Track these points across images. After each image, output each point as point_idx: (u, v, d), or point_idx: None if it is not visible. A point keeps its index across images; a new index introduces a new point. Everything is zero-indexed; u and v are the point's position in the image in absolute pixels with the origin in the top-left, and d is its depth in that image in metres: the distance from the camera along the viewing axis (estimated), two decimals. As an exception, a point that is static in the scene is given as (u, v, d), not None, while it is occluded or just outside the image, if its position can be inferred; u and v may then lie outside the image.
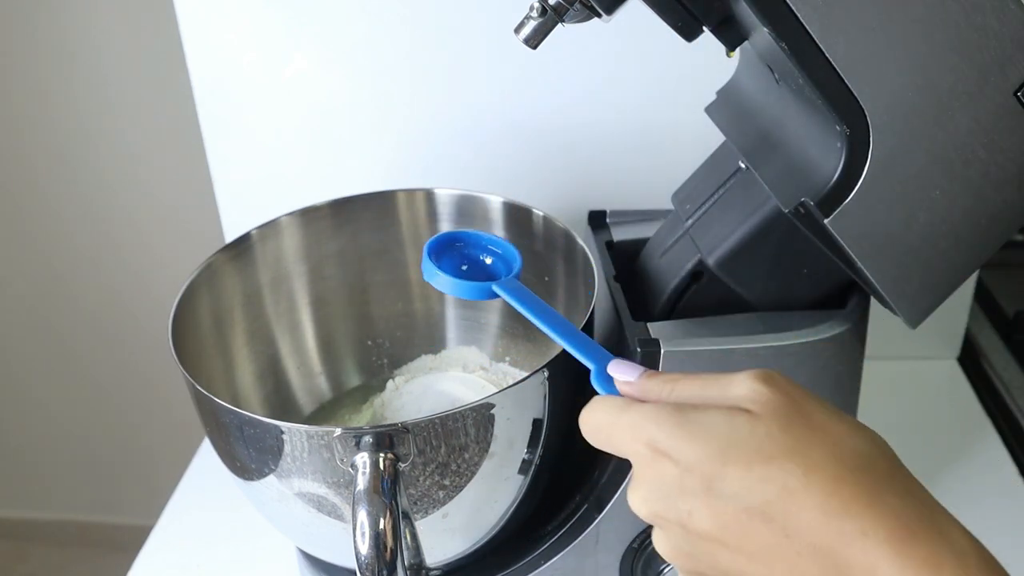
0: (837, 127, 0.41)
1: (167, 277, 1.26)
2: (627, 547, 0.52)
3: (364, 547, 0.41)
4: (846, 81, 0.39)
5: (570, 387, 0.50)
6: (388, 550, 0.41)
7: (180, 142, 1.21)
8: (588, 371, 0.40)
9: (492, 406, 0.45)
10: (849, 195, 0.42)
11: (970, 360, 0.83)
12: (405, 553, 0.46)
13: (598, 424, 0.36)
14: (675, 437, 0.32)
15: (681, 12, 0.43)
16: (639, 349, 0.46)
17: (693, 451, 0.32)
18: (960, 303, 0.79)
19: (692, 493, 0.32)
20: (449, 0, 0.69)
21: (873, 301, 0.50)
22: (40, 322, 1.43)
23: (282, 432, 0.44)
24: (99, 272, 1.36)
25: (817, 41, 0.39)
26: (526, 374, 0.46)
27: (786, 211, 0.44)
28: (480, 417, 0.45)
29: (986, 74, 0.39)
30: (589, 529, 0.51)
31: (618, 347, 0.49)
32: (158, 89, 1.19)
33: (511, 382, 0.46)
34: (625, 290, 0.53)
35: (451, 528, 0.49)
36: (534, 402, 0.47)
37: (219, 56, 0.71)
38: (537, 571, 0.53)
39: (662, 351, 0.46)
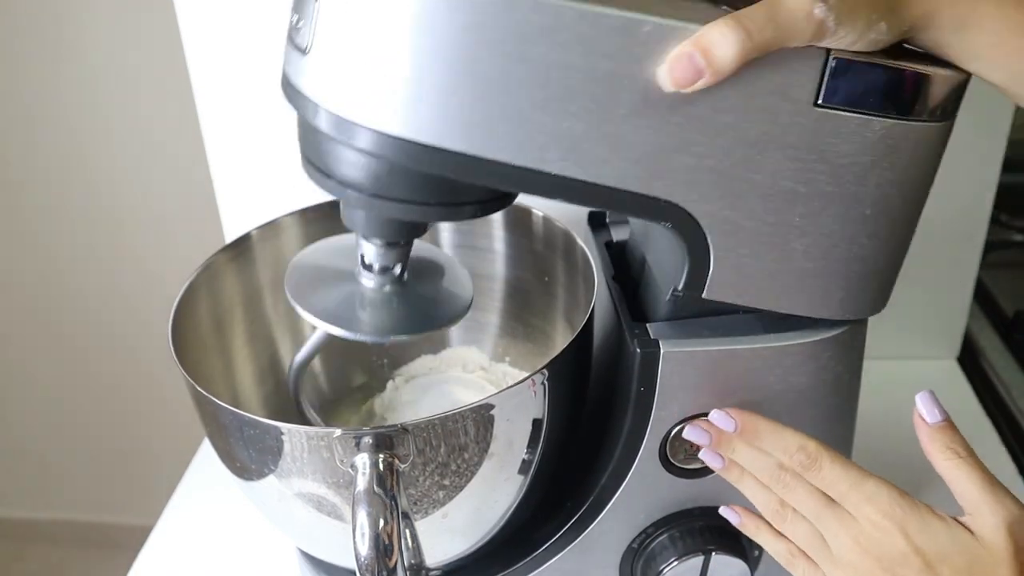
0: (662, 224, 0.41)
1: (167, 277, 1.26)
2: (627, 547, 0.52)
3: (364, 547, 0.41)
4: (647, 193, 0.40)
5: (570, 388, 0.50)
6: (388, 550, 0.41)
7: (180, 142, 1.21)
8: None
9: (492, 407, 0.45)
10: (709, 268, 0.43)
11: (970, 360, 0.83)
12: (405, 553, 0.47)
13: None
14: (911, 517, 0.40)
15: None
16: (639, 349, 0.46)
17: (924, 540, 0.39)
18: (960, 303, 0.79)
19: (911, 568, 0.40)
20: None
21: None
22: (40, 322, 1.43)
23: (282, 432, 0.44)
24: (99, 272, 1.36)
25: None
26: (526, 374, 0.46)
27: (670, 297, 0.45)
28: (480, 417, 0.45)
29: (778, 104, 0.39)
30: (589, 529, 0.51)
31: (618, 347, 0.49)
32: (158, 89, 1.19)
33: (511, 382, 0.46)
34: (625, 290, 0.53)
35: (451, 528, 0.49)
36: (534, 403, 0.47)
37: (219, 56, 0.71)
38: (537, 571, 0.53)
39: (662, 351, 0.46)
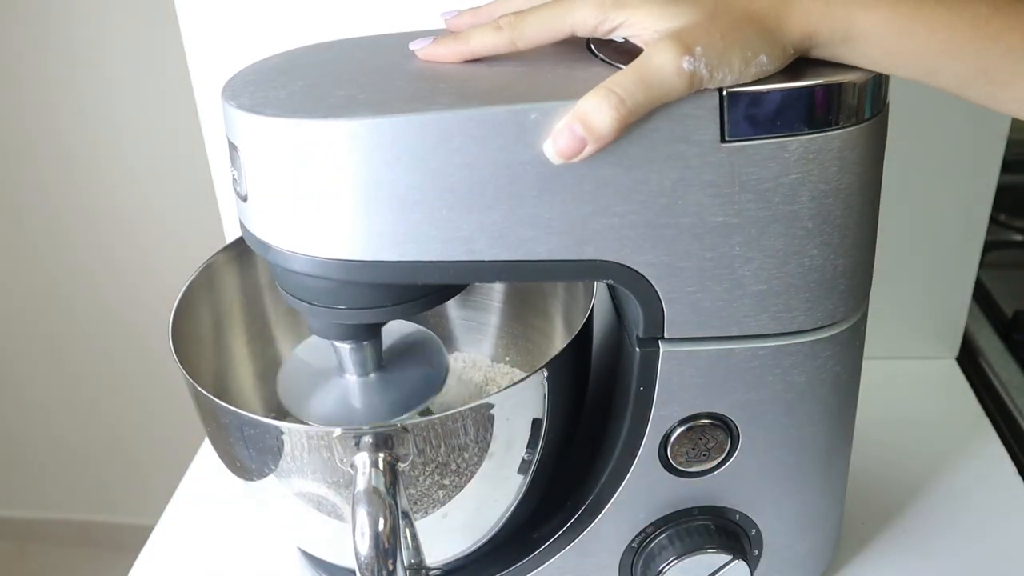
0: (605, 282, 0.43)
1: (167, 278, 1.26)
2: (626, 547, 0.52)
3: (364, 547, 0.41)
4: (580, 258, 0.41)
5: (570, 387, 0.50)
6: (388, 550, 0.41)
7: (181, 142, 1.21)
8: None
9: (491, 406, 0.45)
10: (663, 312, 0.43)
11: (969, 360, 0.83)
12: (405, 553, 0.47)
13: None
14: None
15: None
16: (638, 349, 0.46)
17: None
18: (959, 303, 0.79)
19: None
20: (451, 3, 0.69)
21: (872, 300, 0.50)
22: (41, 322, 1.43)
23: (282, 432, 0.44)
24: (100, 272, 1.36)
25: None
26: (526, 374, 0.46)
27: (637, 350, 0.46)
28: (479, 417, 0.45)
29: (684, 150, 0.39)
30: (589, 528, 0.51)
31: (617, 347, 0.49)
32: (159, 89, 1.19)
33: (511, 382, 0.46)
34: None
35: (451, 528, 0.49)
36: (533, 402, 0.47)
37: (220, 57, 0.71)
38: (537, 571, 0.53)
39: (661, 351, 0.46)
